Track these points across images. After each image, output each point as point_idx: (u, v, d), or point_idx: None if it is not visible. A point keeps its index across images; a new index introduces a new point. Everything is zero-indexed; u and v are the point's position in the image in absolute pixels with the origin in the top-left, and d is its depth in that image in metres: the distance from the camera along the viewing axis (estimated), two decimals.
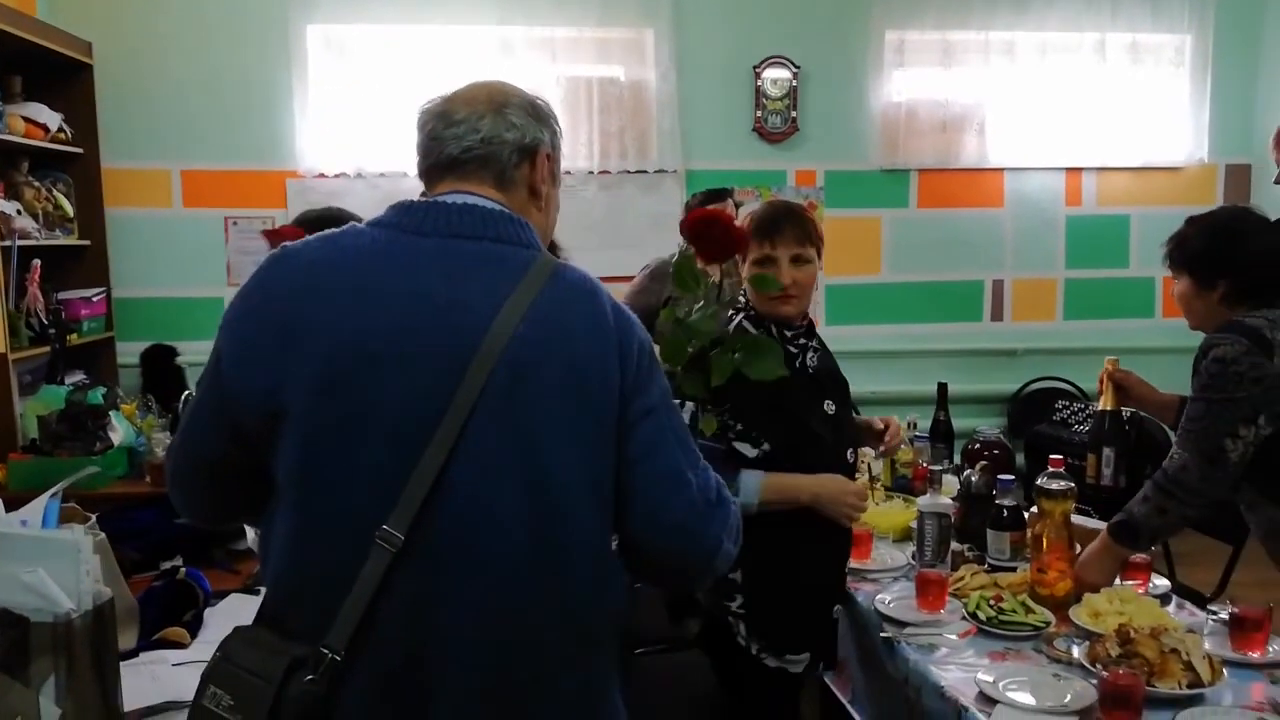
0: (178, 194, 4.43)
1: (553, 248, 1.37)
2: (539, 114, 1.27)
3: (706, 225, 1.67)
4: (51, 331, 3.69)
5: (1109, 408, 2.26)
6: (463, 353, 1.11)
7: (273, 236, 2.13)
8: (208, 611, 1.96)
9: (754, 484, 1.91)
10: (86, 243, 4.15)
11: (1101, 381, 2.32)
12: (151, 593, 1.91)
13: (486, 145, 1.21)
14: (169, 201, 4.42)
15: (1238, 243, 2.05)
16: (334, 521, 1.11)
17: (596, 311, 1.19)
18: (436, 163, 1.24)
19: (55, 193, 3.97)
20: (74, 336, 3.90)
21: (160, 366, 4.17)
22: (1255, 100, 4.98)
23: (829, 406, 2.06)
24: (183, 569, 1.99)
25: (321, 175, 4.41)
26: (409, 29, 4.41)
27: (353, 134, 4.41)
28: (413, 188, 1.31)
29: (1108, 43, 4.80)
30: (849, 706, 2.29)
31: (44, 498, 1.42)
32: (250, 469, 1.16)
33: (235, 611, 2.01)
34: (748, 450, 1.95)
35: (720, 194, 3.68)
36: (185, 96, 4.37)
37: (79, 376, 3.84)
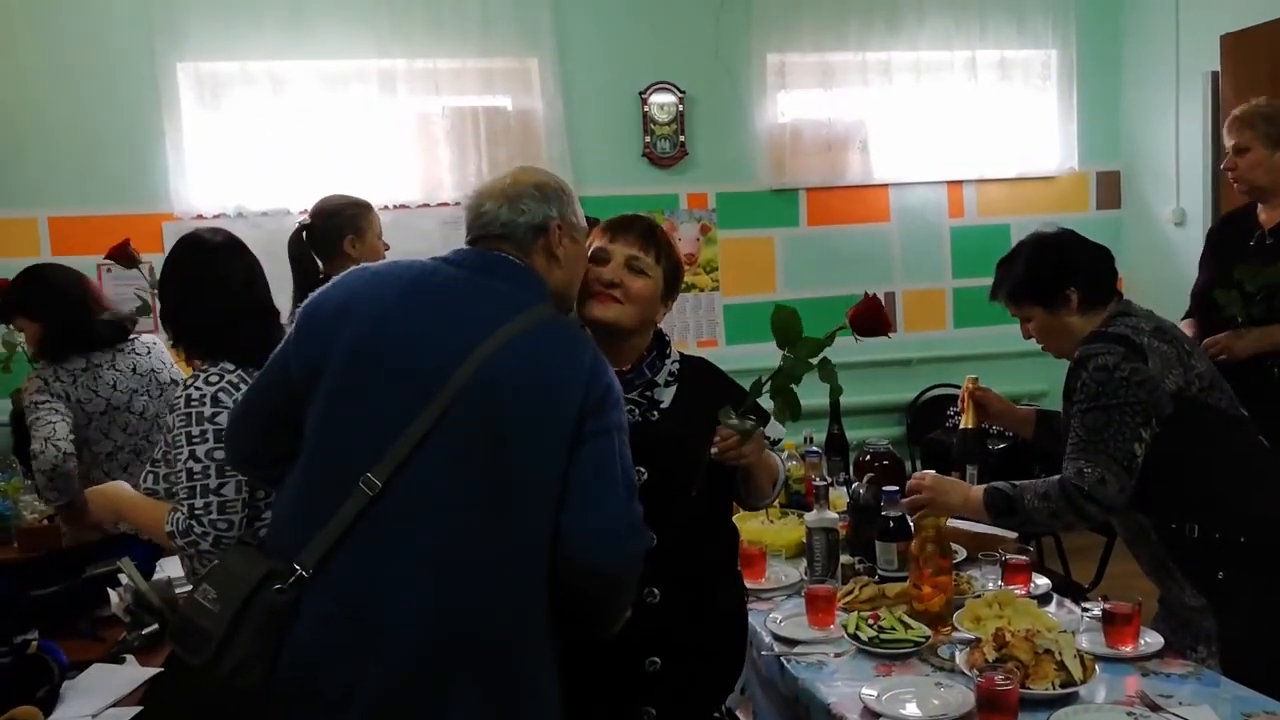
0: (45, 242, 4.24)
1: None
2: (546, 195, 1.61)
3: (871, 312, 1.82)
4: None
5: (970, 426, 2.31)
6: (455, 358, 1.43)
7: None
8: (65, 685, 1.85)
9: None
10: None
11: (962, 400, 2.36)
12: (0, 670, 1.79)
13: (506, 228, 1.58)
14: (36, 250, 4.21)
15: (1062, 251, 2.11)
16: (335, 464, 1.41)
17: (574, 351, 1.51)
18: (475, 239, 1.61)
19: None
20: None
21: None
22: (1119, 110, 5.22)
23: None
24: (35, 642, 1.87)
25: (200, 216, 4.26)
26: (284, 65, 4.31)
27: (232, 173, 4.28)
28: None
29: (978, 60, 4.98)
30: None
31: None
32: (293, 421, 1.47)
33: (98, 683, 1.91)
34: None
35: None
36: (50, 141, 4.19)
37: None
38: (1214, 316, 2.68)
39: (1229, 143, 2.85)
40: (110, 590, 2.17)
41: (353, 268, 1.58)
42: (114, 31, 4.21)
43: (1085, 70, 5.12)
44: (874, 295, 1.78)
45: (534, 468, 1.42)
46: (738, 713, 2.29)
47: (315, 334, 1.49)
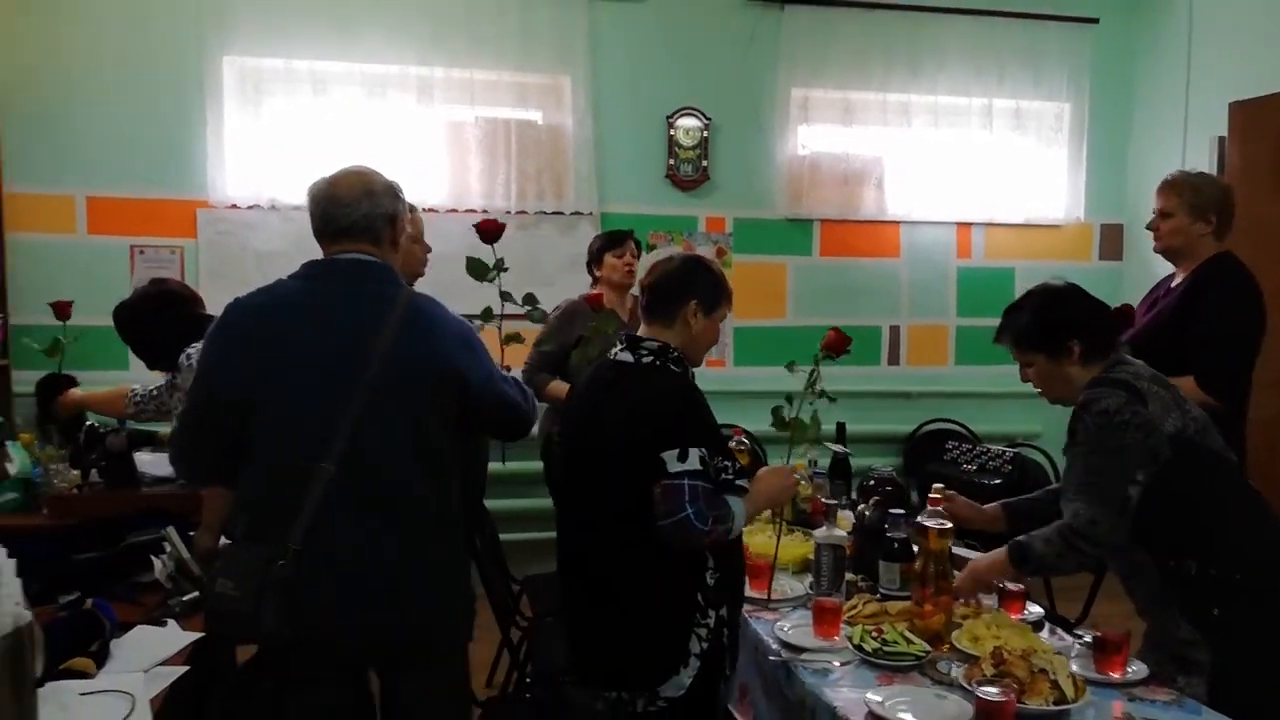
0: (82, 220, 4.34)
1: None
2: (394, 193, 2.04)
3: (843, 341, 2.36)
4: None
5: None
6: (361, 357, 1.88)
7: None
8: (114, 643, 1.95)
9: (740, 507, 2.07)
10: None
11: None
12: (58, 623, 1.89)
13: (367, 219, 1.98)
14: (73, 228, 4.33)
15: (1067, 304, 2.21)
16: (292, 459, 1.84)
17: (437, 319, 2.00)
18: (331, 230, 2.00)
19: None
20: None
21: (57, 396, 4.03)
22: (1127, 165, 5.39)
23: None
24: (89, 599, 1.97)
25: (234, 206, 4.38)
26: (328, 65, 4.44)
27: (268, 166, 4.40)
28: None
29: (994, 108, 5.15)
30: None
31: None
32: (235, 437, 1.90)
33: (143, 642, 2.00)
34: (746, 484, 2.12)
35: (621, 236, 3.81)
36: (93, 123, 4.31)
37: None
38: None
39: (1155, 206, 3.00)
40: (153, 558, 2.27)
41: (227, 306, 1.97)
42: (164, 20, 4.34)
43: (1096, 125, 5.29)
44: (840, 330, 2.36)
45: (431, 416, 1.93)
46: (735, 713, 2.39)
47: (234, 373, 1.89)
